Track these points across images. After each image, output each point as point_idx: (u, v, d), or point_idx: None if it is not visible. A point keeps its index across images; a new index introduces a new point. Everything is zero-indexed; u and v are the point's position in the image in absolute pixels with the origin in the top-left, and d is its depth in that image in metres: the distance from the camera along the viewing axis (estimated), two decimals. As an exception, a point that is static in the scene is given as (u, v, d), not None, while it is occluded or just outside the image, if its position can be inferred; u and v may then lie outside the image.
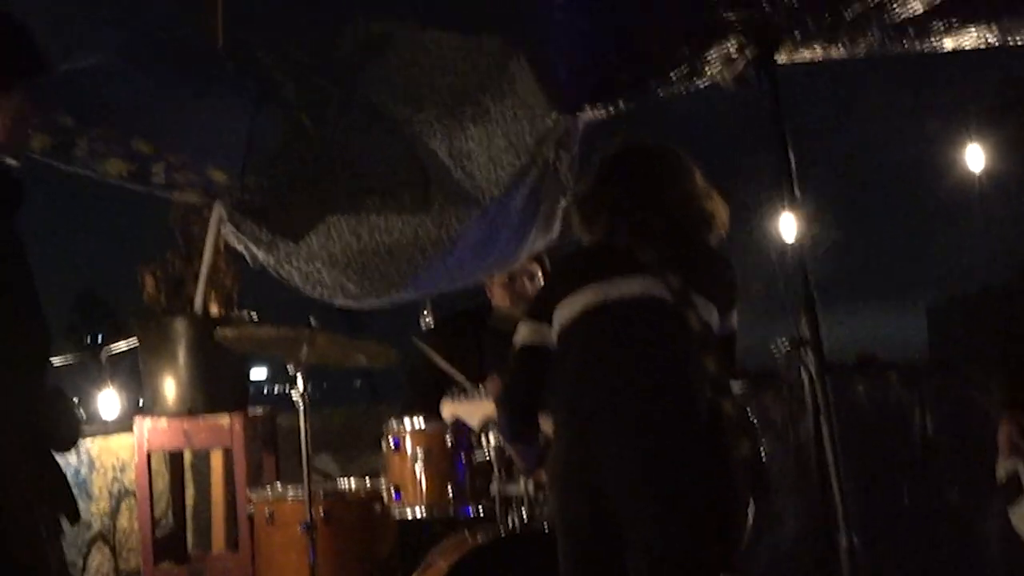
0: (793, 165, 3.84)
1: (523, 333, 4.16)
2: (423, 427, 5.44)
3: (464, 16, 5.15)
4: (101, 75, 5.01)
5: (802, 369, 4.06)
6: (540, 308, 4.18)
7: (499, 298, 5.96)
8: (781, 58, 4.00)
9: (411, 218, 5.34)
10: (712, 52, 4.11)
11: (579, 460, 3.94)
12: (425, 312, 6.18)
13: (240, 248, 5.27)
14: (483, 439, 5.33)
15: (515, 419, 4.24)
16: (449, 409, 5.29)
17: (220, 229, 5.78)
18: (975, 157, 17.31)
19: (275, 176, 5.30)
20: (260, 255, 5.21)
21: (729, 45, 4.00)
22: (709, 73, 4.22)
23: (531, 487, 5.20)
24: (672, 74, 4.36)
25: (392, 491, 5.45)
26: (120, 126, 4.96)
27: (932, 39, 4.28)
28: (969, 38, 4.35)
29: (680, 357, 3.94)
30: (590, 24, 4.48)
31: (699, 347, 3.94)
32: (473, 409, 5.25)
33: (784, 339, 4.11)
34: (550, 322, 4.11)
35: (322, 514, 5.61)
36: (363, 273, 5.25)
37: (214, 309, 6.29)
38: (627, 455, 3.86)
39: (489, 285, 5.99)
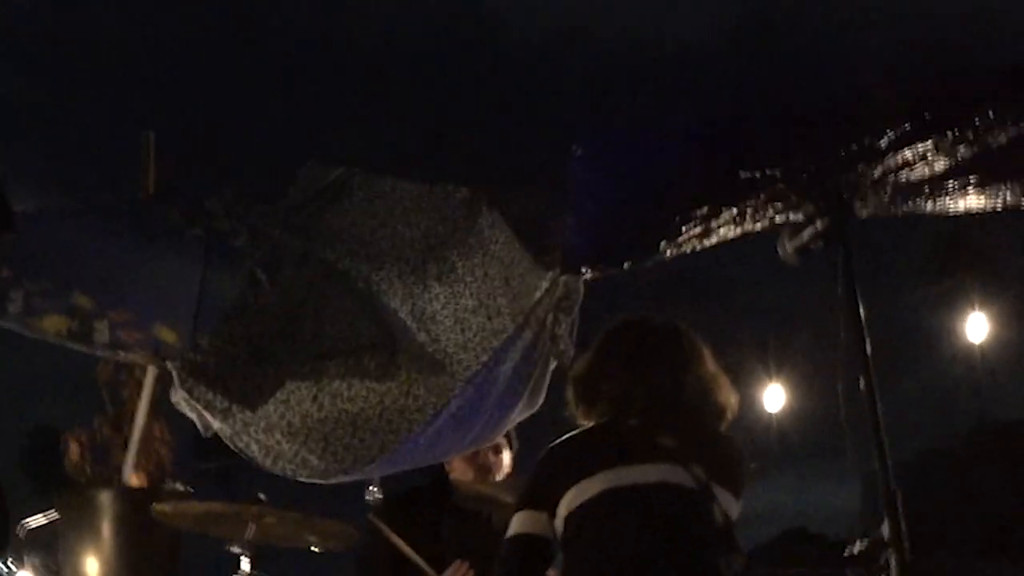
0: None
1: (519, 522, 3.86)
2: None
3: (441, 169, 4.80)
4: (35, 223, 4.77)
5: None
6: (540, 495, 3.88)
7: (460, 472, 5.58)
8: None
9: (376, 385, 4.99)
10: (755, 215, 3.79)
11: None
12: (372, 486, 5.73)
13: (192, 416, 4.88)
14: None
15: None
16: None
17: (156, 391, 5.41)
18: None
19: (230, 336, 4.93)
20: (216, 423, 4.82)
21: (786, 211, 3.69)
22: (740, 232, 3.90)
23: None
24: (694, 234, 4.04)
25: None
26: (58, 278, 4.56)
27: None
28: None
29: (707, 553, 3.72)
30: (612, 179, 4.16)
31: (724, 542, 3.72)
32: None
33: (863, 539, 3.64)
34: (552, 511, 3.83)
35: None
36: (326, 446, 4.87)
37: (144, 480, 5.73)
38: None
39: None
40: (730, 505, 3.78)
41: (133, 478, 5.94)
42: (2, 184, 3.08)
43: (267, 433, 4.78)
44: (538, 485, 3.93)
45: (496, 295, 4.98)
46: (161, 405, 6.05)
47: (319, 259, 5.27)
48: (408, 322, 5.04)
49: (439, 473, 5.53)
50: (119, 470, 5.98)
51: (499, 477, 5.48)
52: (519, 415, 5.01)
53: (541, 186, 5.06)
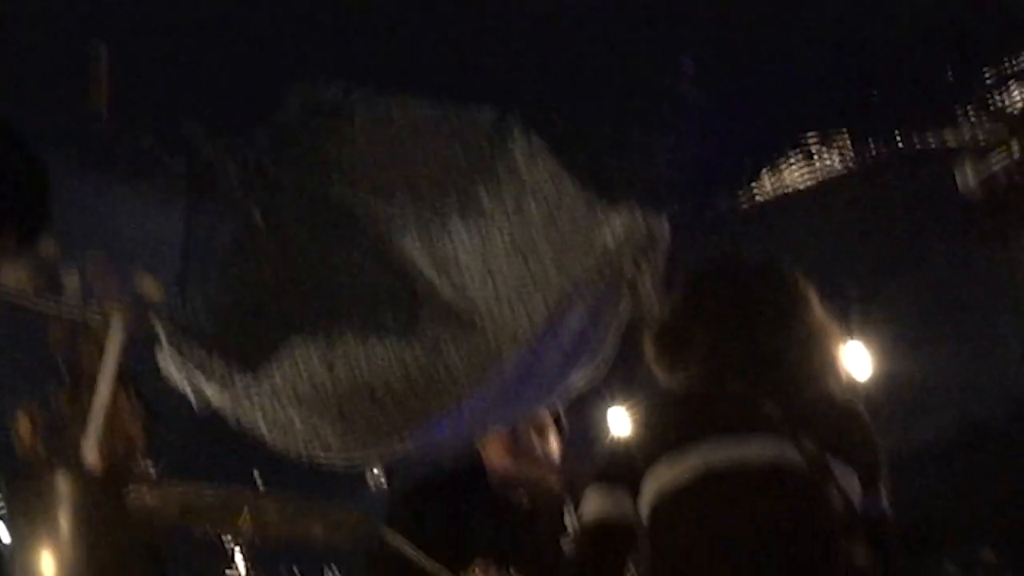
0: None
1: (594, 503, 3.64)
2: None
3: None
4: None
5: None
6: (621, 470, 3.63)
7: (496, 456, 5.33)
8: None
9: (397, 348, 4.48)
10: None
11: None
12: (375, 469, 5.15)
13: (182, 385, 4.43)
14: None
15: None
16: None
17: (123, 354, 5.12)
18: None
19: (225, 287, 4.51)
20: (211, 392, 4.39)
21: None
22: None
23: None
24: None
25: None
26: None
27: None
28: None
29: (822, 548, 3.37)
30: (724, 99, 3.71)
31: (844, 532, 3.35)
32: None
33: None
34: (635, 490, 3.54)
35: None
36: (343, 420, 4.41)
37: (109, 463, 5.50)
38: None
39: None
40: (851, 484, 3.42)
41: (96, 460, 5.44)
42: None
43: (273, 402, 4.35)
44: (620, 457, 3.75)
45: (536, 237, 4.49)
46: (131, 372, 5.57)
47: (319, 195, 4.78)
48: (427, 271, 4.57)
49: (470, 457, 5.32)
50: (79, 450, 5.46)
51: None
52: (577, 382, 4.56)
53: (599, 106, 4.43)
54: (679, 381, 3.78)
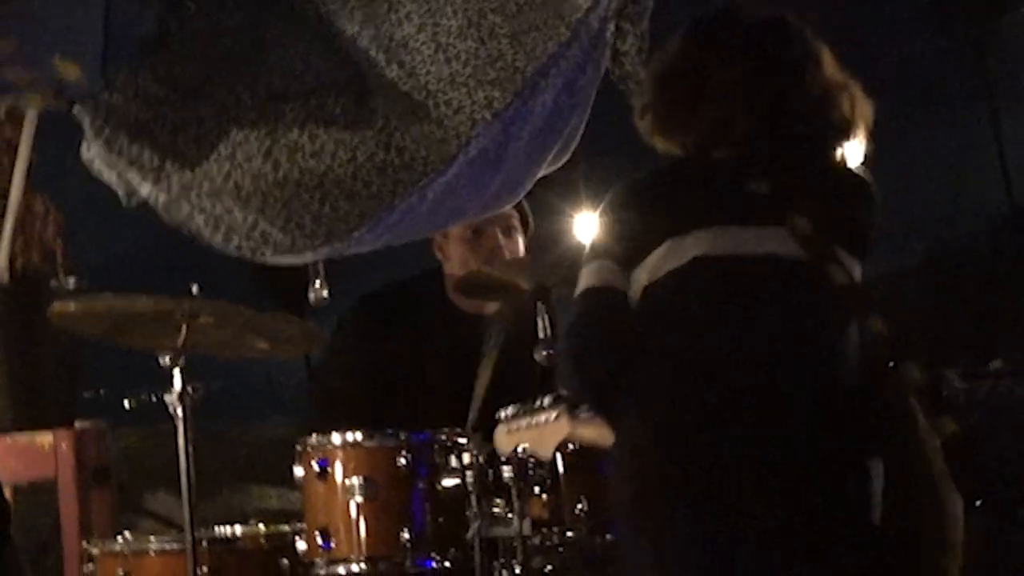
0: None
1: (592, 272, 3.54)
2: (363, 441, 4.53)
3: None
4: None
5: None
6: (623, 246, 3.50)
7: (457, 259, 5.16)
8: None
9: (345, 135, 4.32)
10: None
11: (687, 489, 3.35)
12: (316, 281, 4.90)
13: (110, 178, 4.26)
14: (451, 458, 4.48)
15: (599, 381, 3.53)
16: (511, 439, 4.27)
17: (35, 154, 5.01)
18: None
19: (153, 71, 4.27)
20: (145, 188, 4.23)
21: None
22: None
23: (527, 526, 4.29)
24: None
25: (317, 538, 4.48)
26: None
27: None
28: None
29: (823, 334, 3.39)
30: None
31: (848, 309, 3.37)
32: (546, 435, 4.17)
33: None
34: (630, 270, 3.47)
35: (207, 573, 4.53)
36: (289, 215, 4.24)
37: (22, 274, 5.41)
38: (765, 493, 3.28)
39: (439, 240, 5.24)
40: (853, 267, 3.41)
41: (6, 270, 5.21)
42: None
43: (212, 199, 4.22)
44: (619, 233, 3.58)
45: (488, 11, 4.28)
46: (42, 173, 5.32)
47: None
48: (373, 52, 4.38)
49: (426, 263, 5.24)
50: None
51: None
52: (549, 166, 4.48)
53: None
54: (676, 147, 3.63)
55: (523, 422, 4.32)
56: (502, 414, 4.36)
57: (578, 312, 3.60)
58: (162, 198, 4.23)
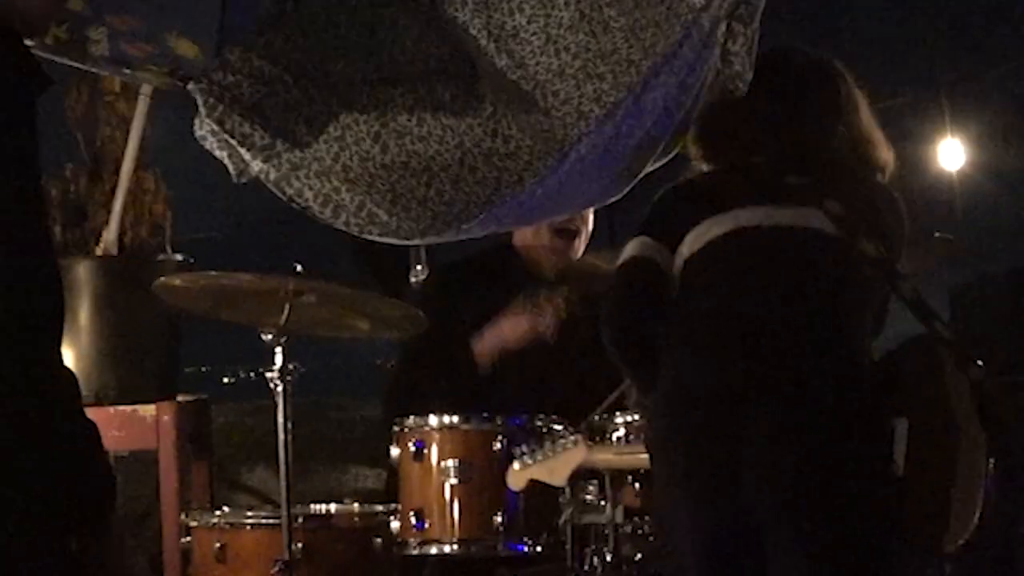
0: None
1: (638, 246, 3.83)
2: (460, 424, 4.70)
3: None
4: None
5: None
6: (662, 227, 3.84)
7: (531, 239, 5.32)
8: None
9: (453, 121, 4.30)
10: None
11: (709, 453, 3.59)
12: (418, 265, 4.99)
13: (222, 155, 4.24)
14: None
15: (628, 342, 3.81)
16: (521, 475, 4.48)
17: (148, 131, 5.13)
18: None
19: (267, 50, 4.23)
20: (257, 164, 4.22)
21: None
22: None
23: (619, 514, 4.44)
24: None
25: (411, 518, 4.63)
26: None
27: None
28: None
29: (861, 304, 3.67)
30: None
31: (889, 278, 3.64)
32: (559, 465, 4.42)
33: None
34: (673, 248, 3.76)
35: (301, 549, 4.60)
36: (395, 198, 4.24)
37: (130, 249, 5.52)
38: (780, 458, 3.51)
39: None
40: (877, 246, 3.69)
41: (116, 244, 5.39)
42: None
43: (321, 179, 4.21)
44: (658, 218, 3.92)
45: (603, 4, 4.25)
46: (153, 151, 5.58)
47: None
48: (483, 41, 4.37)
49: (500, 241, 5.30)
50: (99, 234, 5.43)
51: None
52: (655, 162, 4.42)
53: None
54: (714, 164, 3.94)
55: (538, 455, 4.46)
56: (516, 451, 4.50)
57: (617, 282, 3.85)
58: (272, 174, 4.25)
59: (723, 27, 4.19)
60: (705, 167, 3.97)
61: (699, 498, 3.64)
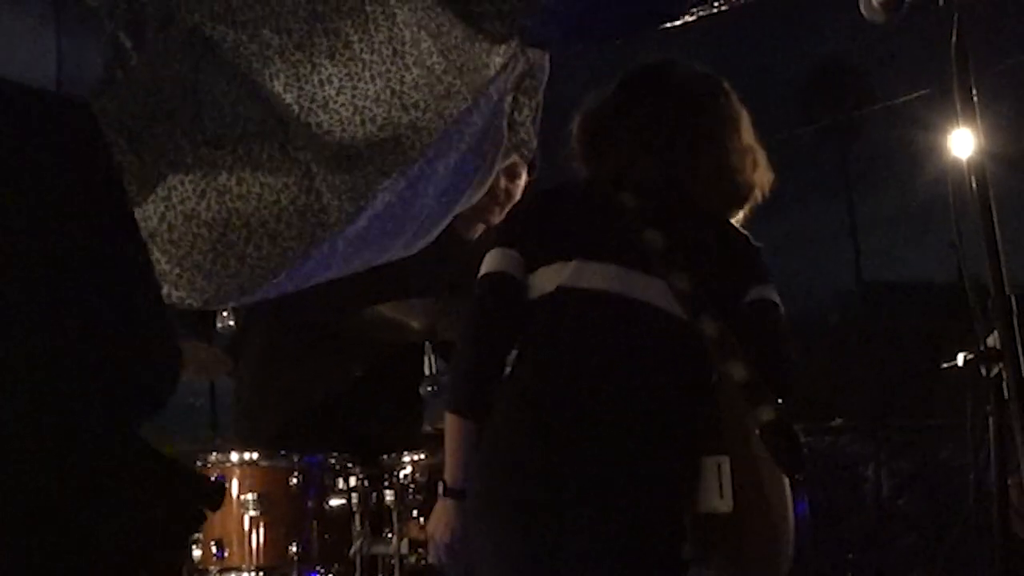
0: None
1: (498, 259, 3.87)
2: (259, 460, 4.99)
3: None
4: None
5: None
6: (526, 246, 3.87)
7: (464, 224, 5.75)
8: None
9: (270, 180, 4.66)
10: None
11: (516, 501, 3.64)
12: (224, 311, 5.38)
13: None
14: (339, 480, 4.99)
15: (477, 375, 3.83)
16: None
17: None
18: None
19: (104, 117, 4.41)
20: None
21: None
22: None
23: (404, 546, 4.78)
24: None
25: (212, 547, 4.92)
26: None
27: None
28: None
29: (692, 379, 3.71)
30: None
31: (719, 357, 3.65)
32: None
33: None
34: (529, 268, 3.84)
35: None
36: (216, 257, 4.55)
37: None
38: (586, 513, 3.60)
39: None
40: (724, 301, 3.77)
41: None
42: None
43: (148, 242, 4.43)
44: (524, 232, 3.93)
45: (407, 80, 4.65)
46: None
47: (183, 26, 4.79)
48: (296, 109, 4.71)
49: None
50: None
51: None
52: (463, 205, 4.93)
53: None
54: (593, 172, 4.01)
55: None
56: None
57: (475, 296, 3.89)
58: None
59: (510, 99, 4.57)
60: (583, 168, 4.03)
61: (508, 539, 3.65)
